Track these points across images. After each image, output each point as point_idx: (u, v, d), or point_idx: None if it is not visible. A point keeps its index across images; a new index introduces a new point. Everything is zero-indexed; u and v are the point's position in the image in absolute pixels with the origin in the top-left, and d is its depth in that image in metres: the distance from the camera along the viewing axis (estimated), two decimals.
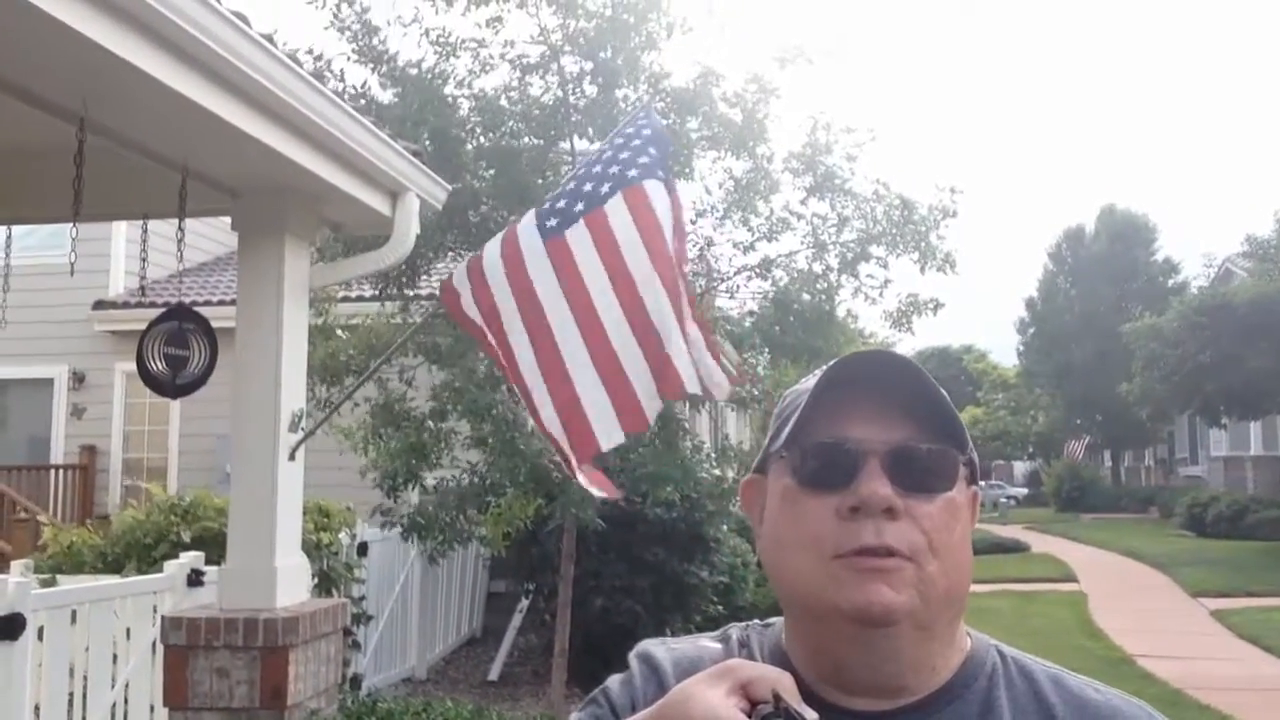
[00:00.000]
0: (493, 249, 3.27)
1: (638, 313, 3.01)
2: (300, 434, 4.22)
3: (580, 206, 3.11)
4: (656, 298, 3.01)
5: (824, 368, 0.99)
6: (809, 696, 0.87)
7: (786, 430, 0.97)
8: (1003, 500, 33.66)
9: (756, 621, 1.07)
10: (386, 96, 6.64)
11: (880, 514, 0.90)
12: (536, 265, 3.12)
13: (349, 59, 6.60)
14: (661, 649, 1.04)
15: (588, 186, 3.14)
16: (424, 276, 7.37)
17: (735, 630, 1.06)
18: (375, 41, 6.56)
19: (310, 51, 6.53)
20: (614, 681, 1.03)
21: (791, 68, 6.56)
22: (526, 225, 3.23)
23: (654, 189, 3.09)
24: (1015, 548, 19.13)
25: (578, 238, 3.09)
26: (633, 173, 3.10)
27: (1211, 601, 12.45)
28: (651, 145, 3.20)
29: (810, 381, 0.99)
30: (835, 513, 0.92)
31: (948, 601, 0.93)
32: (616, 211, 3.07)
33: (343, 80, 6.58)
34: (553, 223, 3.13)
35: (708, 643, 1.05)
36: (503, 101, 6.55)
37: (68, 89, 3.22)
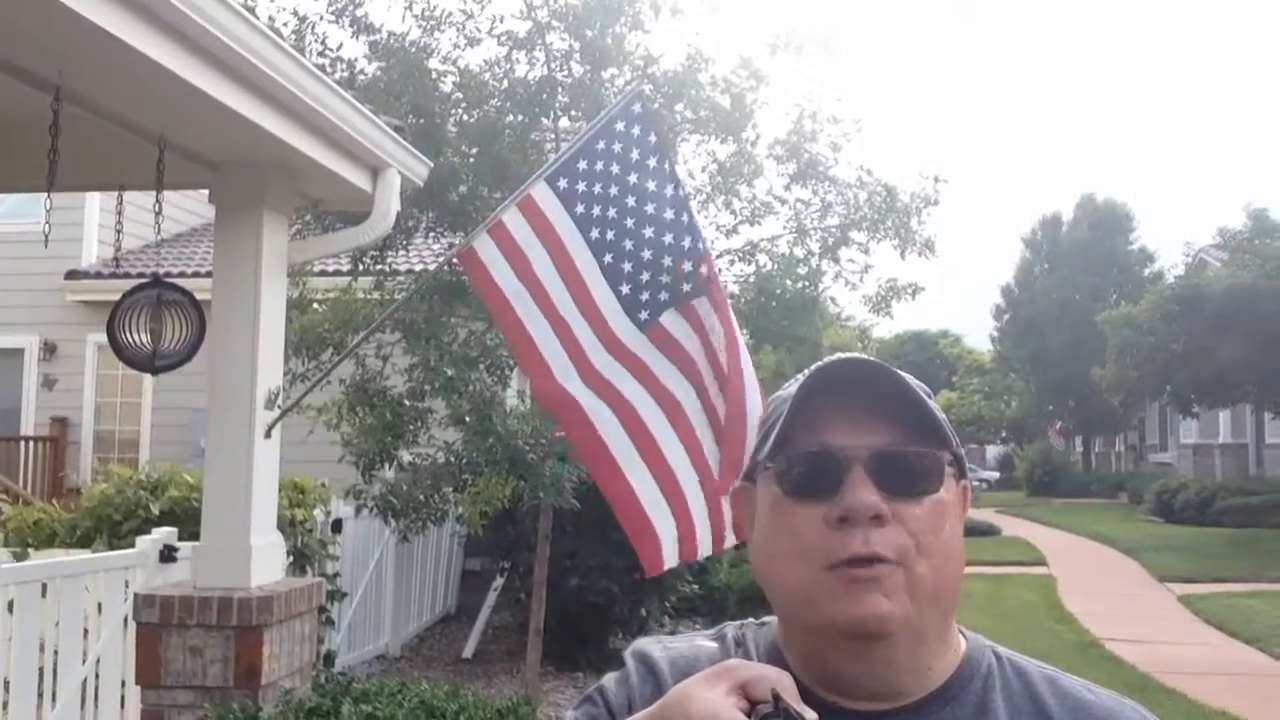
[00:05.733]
0: (542, 262, 3.27)
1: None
2: (276, 411, 4.18)
3: (664, 296, 3.23)
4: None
5: (803, 374, 0.99)
6: (807, 696, 0.87)
7: (771, 440, 0.97)
8: (975, 483, 33.98)
9: (752, 620, 1.07)
10: (370, 68, 6.55)
11: (868, 521, 0.90)
12: (647, 355, 3.19)
13: (322, 18, 6.49)
14: (658, 648, 1.03)
15: (664, 278, 3.25)
16: (401, 252, 7.31)
17: (731, 629, 1.06)
18: (354, 6, 6.46)
19: (295, 13, 6.43)
20: (610, 680, 1.03)
21: (782, 54, 6.54)
22: (578, 252, 3.26)
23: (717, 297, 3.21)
24: (987, 531, 19.28)
25: (675, 325, 3.21)
26: (687, 288, 3.21)
27: (1179, 587, 12.62)
28: (652, 156, 3.26)
29: (792, 388, 0.99)
30: (824, 521, 0.91)
31: (938, 600, 0.93)
32: (706, 312, 3.17)
33: (324, 43, 6.48)
34: (645, 316, 3.22)
35: (704, 642, 1.04)
36: (487, 77, 6.48)
37: (43, 58, 3.15)
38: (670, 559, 3.10)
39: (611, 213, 3.28)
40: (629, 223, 3.25)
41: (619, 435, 3.09)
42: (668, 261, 3.22)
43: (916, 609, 0.90)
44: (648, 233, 3.24)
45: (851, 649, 0.91)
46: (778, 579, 0.95)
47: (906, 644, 0.92)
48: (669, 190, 3.31)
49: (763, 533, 0.98)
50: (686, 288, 3.20)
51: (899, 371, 0.96)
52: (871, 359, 0.96)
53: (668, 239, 3.24)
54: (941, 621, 0.96)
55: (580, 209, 3.28)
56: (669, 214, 3.27)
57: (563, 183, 3.30)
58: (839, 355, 0.97)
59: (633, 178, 3.29)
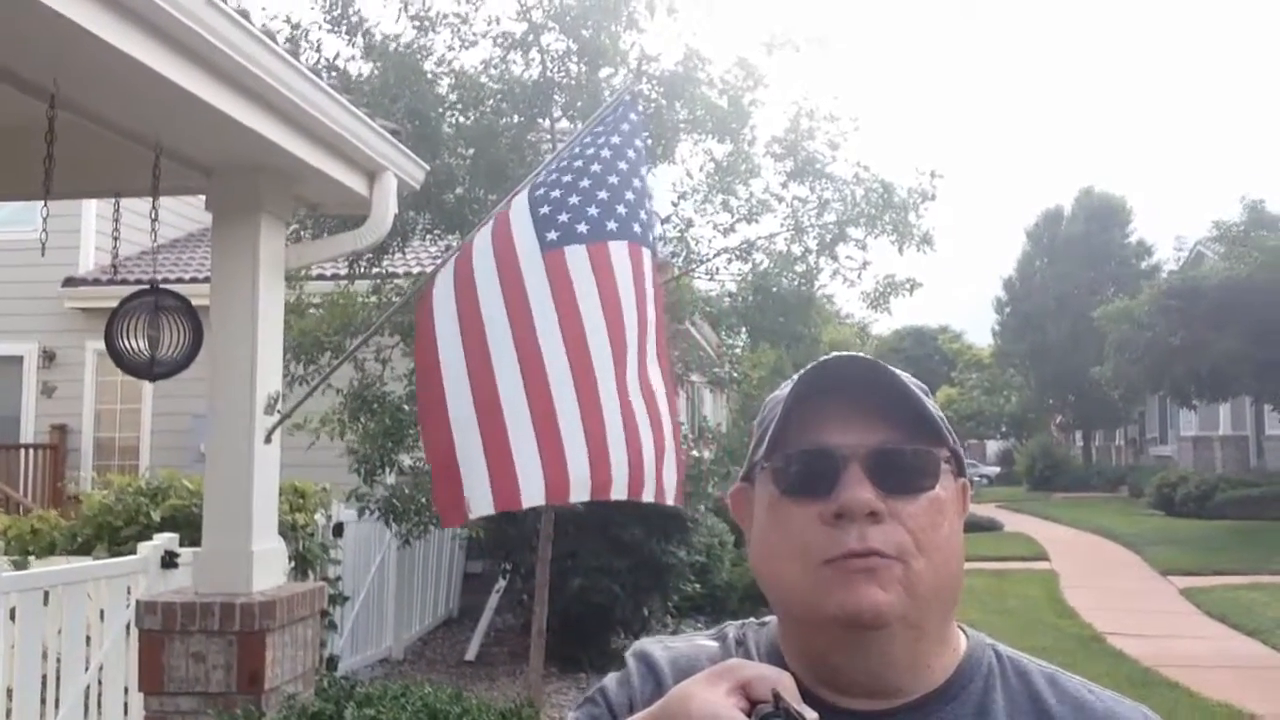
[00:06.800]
0: (484, 243, 3.22)
1: (623, 379, 3.06)
2: (276, 416, 4.18)
3: (584, 229, 3.11)
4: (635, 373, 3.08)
5: (798, 374, 0.99)
6: (807, 696, 0.87)
7: (767, 440, 0.97)
8: (976, 479, 34.02)
9: (752, 620, 1.07)
10: (365, 70, 6.56)
11: (864, 518, 0.90)
12: (533, 276, 3.10)
13: (320, 28, 6.50)
14: (658, 648, 1.04)
15: (592, 210, 3.14)
16: (399, 255, 7.31)
17: (731, 629, 1.06)
18: (350, 12, 6.47)
19: (288, 20, 6.44)
20: (611, 680, 1.03)
21: (778, 53, 6.54)
22: (520, 216, 3.20)
23: (648, 258, 3.16)
24: (989, 526, 19.28)
25: (577, 261, 3.09)
26: (636, 227, 3.14)
27: (1181, 580, 12.63)
28: (630, 153, 3.24)
29: (787, 389, 0.99)
30: (820, 519, 0.92)
31: (937, 597, 0.93)
32: (619, 258, 3.10)
33: (319, 51, 6.48)
34: (552, 235, 3.12)
35: (705, 641, 1.05)
36: (484, 79, 6.48)
37: (39, 65, 3.15)
38: (479, 507, 3.03)
39: (566, 168, 3.27)
40: (583, 183, 3.21)
41: (463, 394, 3.07)
42: (593, 210, 3.14)
43: (914, 605, 0.90)
44: (594, 186, 3.18)
45: (849, 642, 0.91)
46: (775, 576, 0.95)
47: (904, 638, 0.92)
48: (627, 167, 3.27)
49: (760, 532, 0.98)
50: (613, 225, 3.13)
51: (894, 369, 0.96)
52: (866, 357, 0.96)
53: (602, 194, 3.17)
54: (940, 619, 0.96)
55: (541, 191, 3.25)
56: (613, 179, 3.20)
57: (541, 175, 3.30)
58: (834, 354, 0.97)
59: (604, 152, 3.26)
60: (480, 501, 3.03)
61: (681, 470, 3.31)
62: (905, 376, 0.98)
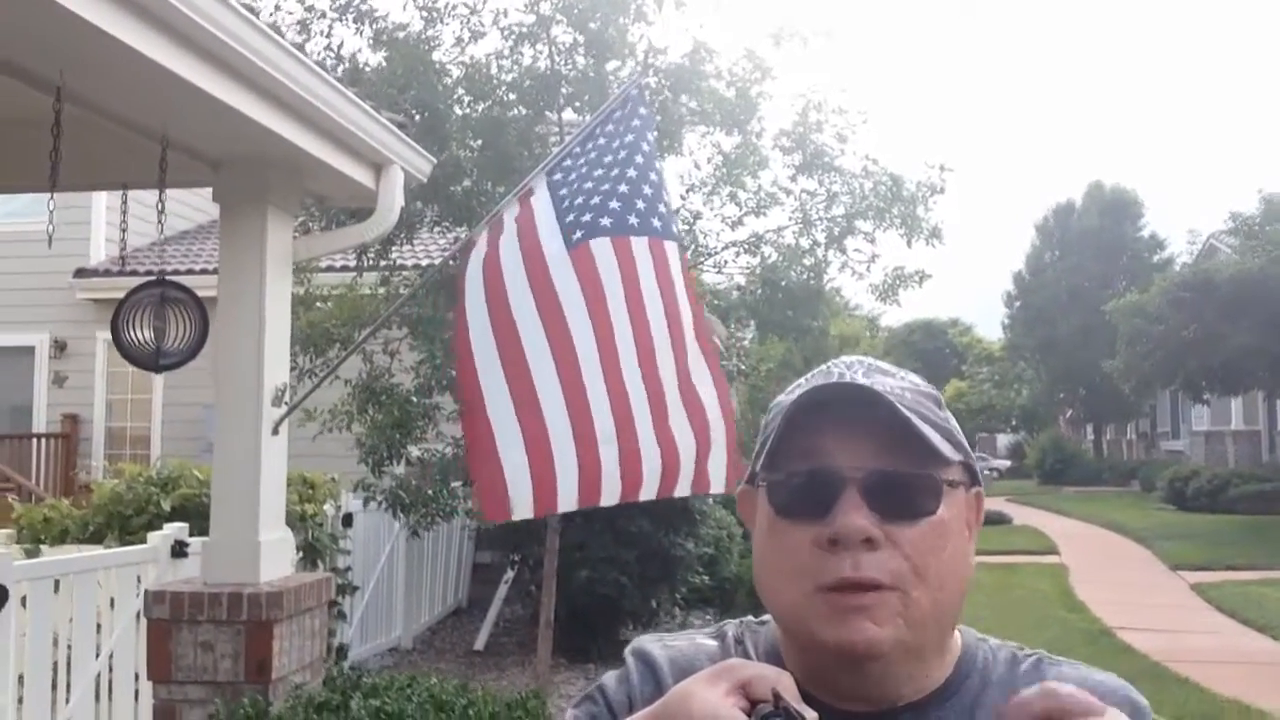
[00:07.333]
0: (510, 243, 3.25)
1: (653, 379, 3.09)
2: (284, 408, 4.19)
3: (607, 222, 3.14)
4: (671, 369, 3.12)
5: (801, 383, 0.97)
6: (806, 696, 0.86)
7: (765, 452, 0.96)
8: (986, 472, 33.94)
9: (751, 619, 1.07)
10: (373, 60, 6.57)
11: (859, 545, 0.88)
12: (561, 272, 3.13)
13: (325, 15, 6.50)
14: (657, 646, 1.03)
15: (614, 203, 3.16)
16: (407, 246, 7.33)
17: (730, 628, 1.06)
18: (357, 2, 6.47)
19: (302, 1, 6.45)
20: (610, 679, 1.03)
21: (786, 45, 6.53)
22: (544, 215, 3.22)
23: (673, 250, 3.18)
24: (998, 520, 19.20)
25: (603, 254, 3.12)
26: (656, 222, 3.18)
27: (1191, 575, 12.58)
28: (642, 148, 3.27)
29: (793, 395, 0.97)
30: (815, 544, 0.90)
31: (936, 623, 0.92)
32: (641, 254, 3.13)
33: (329, 36, 6.49)
34: (579, 233, 3.15)
35: (704, 640, 1.04)
36: (494, 70, 6.48)
37: (45, 58, 3.16)
38: (521, 509, 3.08)
39: (586, 175, 3.30)
40: (603, 182, 3.24)
41: (500, 389, 3.09)
42: (614, 204, 3.19)
43: (912, 633, 0.90)
44: (614, 181, 3.23)
45: (845, 666, 0.91)
46: (774, 594, 0.95)
47: (902, 662, 0.92)
48: (643, 161, 3.30)
49: (760, 544, 0.98)
50: (634, 220, 3.17)
51: (901, 374, 0.95)
52: (862, 385, 0.93)
53: (623, 189, 3.22)
54: (940, 638, 0.95)
55: (564, 191, 3.29)
56: (631, 172, 3.25)
57: (558, 175, 3.33)
58: (837, 375, 0.95)
59: (621, 153, 3.30)
60: (521, 504, 3.07)
61: (732, 454, 3.31)
62: (911, 383, 0.96)
